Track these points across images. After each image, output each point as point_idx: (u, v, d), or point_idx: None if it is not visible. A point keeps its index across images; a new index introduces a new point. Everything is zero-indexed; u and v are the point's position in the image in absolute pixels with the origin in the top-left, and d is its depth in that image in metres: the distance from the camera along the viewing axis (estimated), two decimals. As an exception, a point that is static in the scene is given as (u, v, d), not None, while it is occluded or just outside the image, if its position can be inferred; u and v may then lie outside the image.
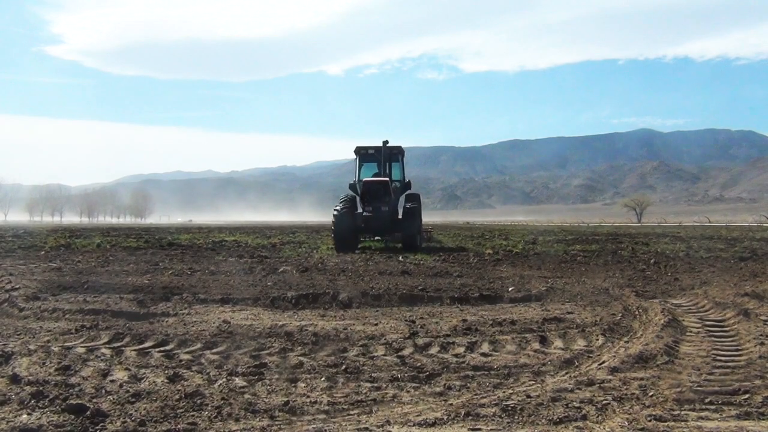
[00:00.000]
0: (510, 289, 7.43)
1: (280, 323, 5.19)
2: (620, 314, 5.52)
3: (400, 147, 17.40)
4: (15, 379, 3.36)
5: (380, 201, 15.87)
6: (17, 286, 7.12)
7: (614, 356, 4.04)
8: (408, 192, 17.51)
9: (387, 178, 16.35)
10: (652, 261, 11.67)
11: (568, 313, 5.81)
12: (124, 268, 10.08)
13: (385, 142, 16.90)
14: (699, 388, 3.25)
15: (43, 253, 14.28)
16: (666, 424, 2.74)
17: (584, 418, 2.84)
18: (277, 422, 2.84)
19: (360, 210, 15.98)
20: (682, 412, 2.90)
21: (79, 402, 2.96)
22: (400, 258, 12.56)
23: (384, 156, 16.88)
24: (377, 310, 6.14)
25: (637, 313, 5.62)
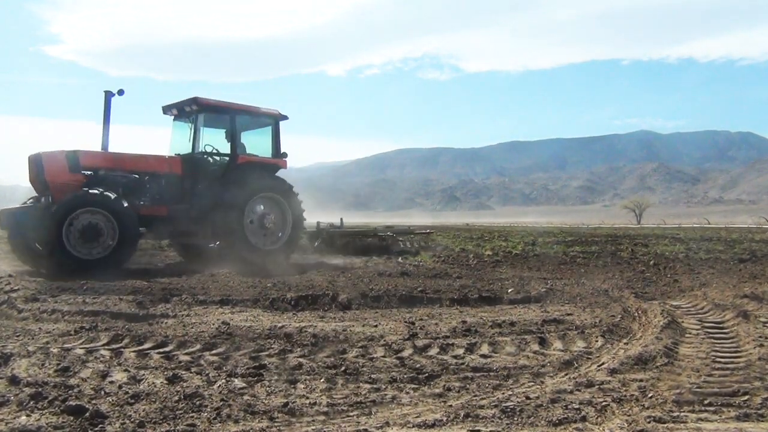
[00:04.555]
0: (509, 290, 7.44)
1: (280, 324, 5.20)
2: (619, 316, 5.53)
3: (204, 100, 11.13)
4: (14, 380, 3.36)
5: (37, 188, 10.24)
6: (16, 288, 7.11)
7: (613, 358, 4.05)
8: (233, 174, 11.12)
9: (53, 151, 9.97)
10: (651, 262, 11.68)
11: (568, 314, 5.81)
12: (124, 269, 10.07)
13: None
14: (698, 390, 3.25)
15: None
16: (665, 425, 2.75)
17: (583, 419, 2.84)
18: (276, 423, 2.84)
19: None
20: (682, 414, 2.90)
21: (78, 403, 2.96)
22: (400, 259, 12.57)
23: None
24: (376, 312, 6.14)
25: (636, 314, 5.63)
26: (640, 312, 5.70)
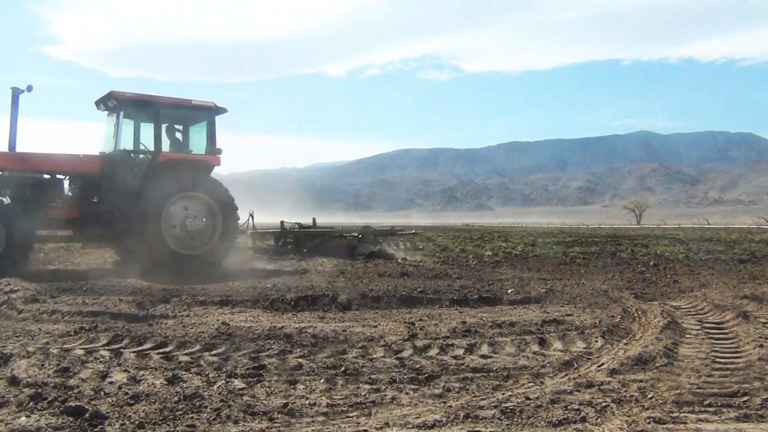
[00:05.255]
0: (509, 291, 7.44)
1: (279, 325, 5.20)
2: (619, 316, 5.53)
3: (120, 94, 10.41)
4: (14, 381, 3.36)
5: None
6: (16, 288, 7.11)
7: (613, 358, 4.05)
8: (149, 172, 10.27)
9: None
10: (651, 263, 11.69)
11: (568, 315, 5.81)
12: (123, 270, 10.07)
13: None
14: (698, 390, 3.25)
15: (42, 254, 14.27)
16: (665, 426, 2.75)
17: (583, 420, 2.84)
18: (276, 424, 2.84)
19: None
20: (681, 414, 2.90)
21: (78, 404, 2.96)
22: (399, 260, 12.56)
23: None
24: (376, 312, 6.15)
25: (636, 315, 5.63)
26: (639, 312, 5.70)
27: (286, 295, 6.82)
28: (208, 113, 11.12)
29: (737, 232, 30.47)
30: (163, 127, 10.96)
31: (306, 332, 4.88)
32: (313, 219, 16.71)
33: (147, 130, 10.88)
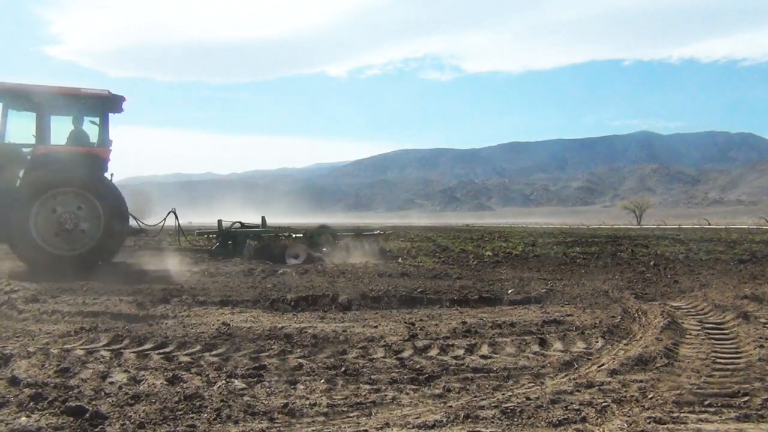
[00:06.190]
0: (509, 291, 7.44)
1: (280, 325, 5.20)
2: (620, 316, 5.53)
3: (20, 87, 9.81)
4: (14, 381, 3.36)
5: None
6: (16, 288, 7.12)
7: (613, 358, 4.05)
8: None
9: None
10: (651, 263, 11.68)
11: (568, 315, 5.82)
12: (124, 270, 10.06)
13: None
14: (698, 391, 3.25)
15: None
16: (665, 426, 2.75)
17: (583, 420, 2.85)
18: (276, 424, 2.85)
19: None
20: (682, 415, 2.90)
21: (78, 404, 2.96)
22: (399, 260, 12.56)
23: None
24: (377, 313, 6.15)
25: (636, 315, 5.63)
26: (640, 313, 5.70)
27: (286, 295, 6.82)
28: (101, 102, 10.37)
29: (737, 232, 30.45)
30: (54, 118, 10.31)
31: (306, 332, 4.88)
32: (262, 218, 15.22)
33: (53, 123, 10.27)
